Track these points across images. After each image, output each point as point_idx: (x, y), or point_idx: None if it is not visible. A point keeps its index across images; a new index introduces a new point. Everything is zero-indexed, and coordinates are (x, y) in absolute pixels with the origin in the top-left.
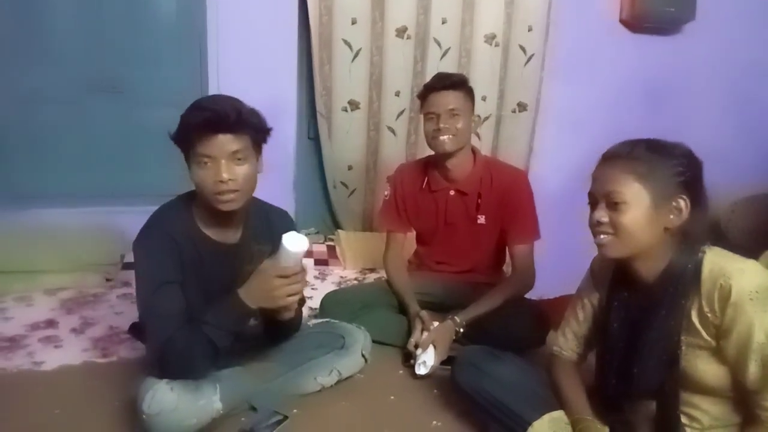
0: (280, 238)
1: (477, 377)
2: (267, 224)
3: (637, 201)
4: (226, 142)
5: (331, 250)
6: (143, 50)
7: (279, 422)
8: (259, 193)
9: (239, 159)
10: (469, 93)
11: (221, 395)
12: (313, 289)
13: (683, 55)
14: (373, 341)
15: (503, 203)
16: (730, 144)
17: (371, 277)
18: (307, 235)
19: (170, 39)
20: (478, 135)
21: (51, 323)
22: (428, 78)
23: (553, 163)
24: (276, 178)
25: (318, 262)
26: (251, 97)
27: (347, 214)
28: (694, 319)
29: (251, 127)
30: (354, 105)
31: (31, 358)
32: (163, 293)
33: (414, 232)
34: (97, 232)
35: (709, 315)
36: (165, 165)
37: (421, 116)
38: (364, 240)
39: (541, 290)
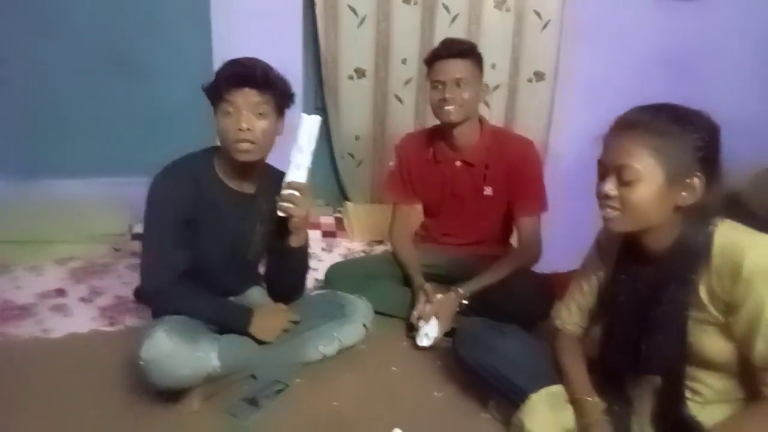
0: None
1: (478, 350)
2: (278, 186)
3: (649, 178)
4: (249, 95)
5: (339, 222)
6: (150, 23)
7: (280, 390)
8: None
9: (260, 113)
10: (478, 61)
11: (220, 354)
12: (319, 261)
13: (709, 20)
14: (378, 313)
15: (510, 174)
16: (756, 112)
17: (378, 249)
18: (315, 207)
19: (176, 11)
20: (487, 105)
21: (60, 292)
22: (436, 45)
23: (573, 134)
24: (282, 150)
25: (325, 234)
26: None
27: (355, 185)
28: (703, 294)
29: (276, 87)
30: (360, 73)
31: (41, 326)
32: (173, 236)
33: (420, 204)
34: (106, 203)
35: (718, 290)
36: (173, 137)
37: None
38: (372, 212)
39: (555, 265)
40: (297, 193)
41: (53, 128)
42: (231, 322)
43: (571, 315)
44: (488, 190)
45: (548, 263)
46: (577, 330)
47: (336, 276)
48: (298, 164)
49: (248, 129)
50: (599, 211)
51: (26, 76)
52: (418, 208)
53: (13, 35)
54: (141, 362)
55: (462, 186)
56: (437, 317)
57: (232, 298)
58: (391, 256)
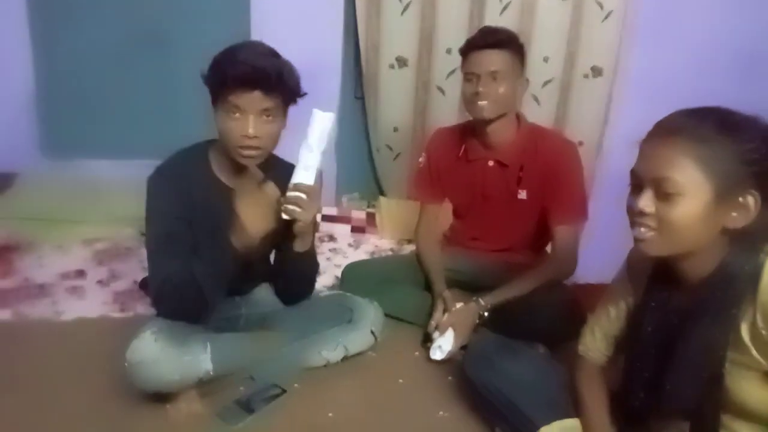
0: None
1: (487, 370)
2: (285, 181)
3: (695, 194)
4: (259, 99)
5: (371, 217)
6: (188, 3)
7: (276, 396)
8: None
9: (268, 117)
10: (518, 53)
11: (212, 356)
12: (344, 257)
13: None
14: (394, 318)
15: (547, 177)
16: None
17: (407, 249)
18: (349, 200)
19: None
20: (537, 100)
21: (80, 273)
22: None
23: (631, 135)
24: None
25: (354, 229)
26: (294, 52)
27: (391, 179)
28: (744, 333)
29: (287, 88)
30: (402, 62)
31: (54, 308)
32: (169, 233)
33: (450, 204)
34: (136, 185)
35: (764, 332)
36: (206, 118)
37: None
38: (405, 208)
39: (600, 276)
40: (304, 196)
41: (85, 109)
42: (227, 254)
43: (595, 341)
44: (522, 194)
45: (593, 273)
46: (600, 358)
47: (352, 276)
48: (306, 165)
49: (255, 136)
50: (630, 230)
51: (60, 56)
52: (448, 208)
53: (45, 16)
54: (126, 365)
55: (494, 188)
56: (454, 329)
57: (237, 298)
58: (415, 258)
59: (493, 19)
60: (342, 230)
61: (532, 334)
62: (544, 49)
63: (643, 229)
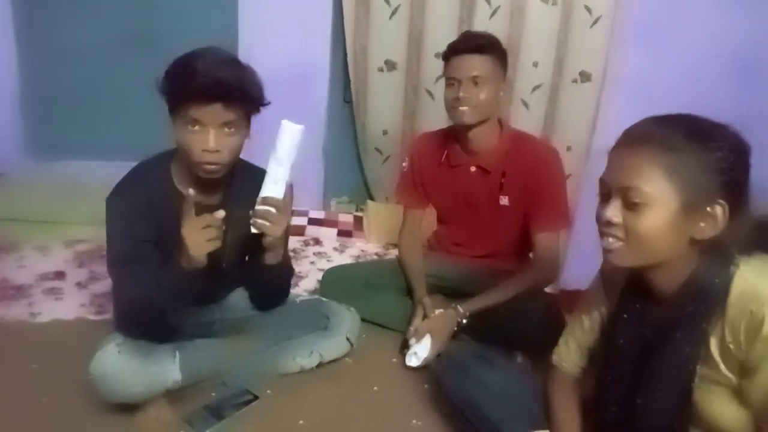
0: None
1: (459, 378)
2: (252, 187)
3: (661, 203)
4: (220, 112)
5: (358, 221)
6: (175, 6)
7: (248, 402)
8: None
9: (230, 129)
10: (500, 58)
11: (182, 365)
12: (328, 261)
13: None
14: (374, 324)
15: (529, 184)
16: None
17: (393, 254)
18: (338, 204)
19: None
20: (526, 105)
21: (60, 275)
22: None
23: None
24: (305, 143)
25: (341, 233)
26: (281, 56)
27: (380, 183)
28: (714, 348)
29: (249, 99)
30: (391, 65)
31: (30, 309)
32: (130, 256)
33: (434, 209)
34: None
35: (732, 346)
36: None
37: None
38: (393, 213)
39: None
40: (273, 210)
41: (69, 109)
42: (178, 274)
43: (569, 352)
44: (504, 200)
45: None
46: (574, 369)
47: (332, 280)
48: (275, 178)
49: (216, 150)
50: (599, 240)
51: (49, 56)
52: (432, 213)
53: (30, 16)
54: (89, 376)
55: (476, 194)
56: (431, 335)
57: (212, 305)
58: (397, 263)
59: (483, 23)
60: (328, 234)
61: (512, 342)
62: (534, 53)
63: (610, 240)
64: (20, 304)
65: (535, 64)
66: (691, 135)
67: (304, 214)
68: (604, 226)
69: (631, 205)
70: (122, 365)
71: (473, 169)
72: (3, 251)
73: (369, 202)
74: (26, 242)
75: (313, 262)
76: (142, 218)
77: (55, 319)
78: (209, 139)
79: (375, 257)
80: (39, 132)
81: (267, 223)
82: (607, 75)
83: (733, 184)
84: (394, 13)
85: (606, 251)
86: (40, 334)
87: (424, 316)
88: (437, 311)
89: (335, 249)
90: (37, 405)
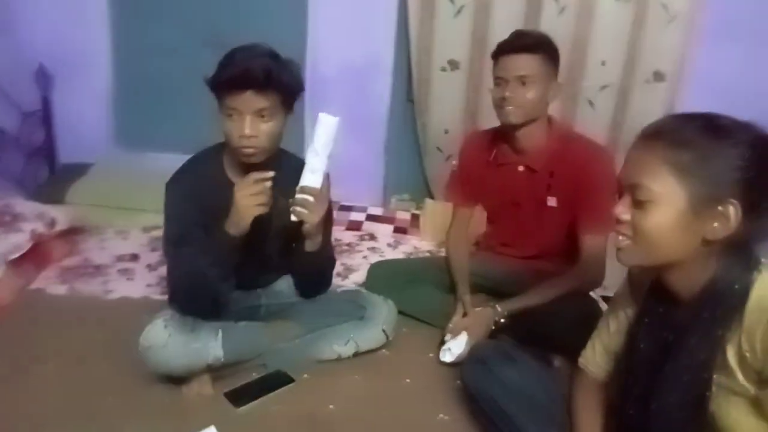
0: None
1: (482, 375)
2: (296, 177)
3: (668, 202)
4: (252, 99)
5: (415, 219)
6: (248, 7)
7: (284, 383)
8: (348, 155)
9: (264, 116)
10: (550, 57)
11: (224, 343)
12: (381, 256)
13: None
14: (416, 319)
15: (577, 185)
16: None
17: None
18: (398, 201)
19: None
20: (592, 105)
21: (134, 257)
22: None
23: None
24: (367, 140)
25: (397, 230)
26: (347, 55)
27: (440, 181)
28: (730, 356)
29: (280, 86)
30: (454, 65)
31: (104, 286)
32: (183, 236)
33: (482, 208)
34: None
35: (748, 355)
36: None
37: None
38: (449, 211)
39: None
40: (311, 199)
41: (156, 105)
42: (224, 242)
43: (595, 355)
44: (552, 201)
45: None
46: (599, 373)
47: (377, 274)
48: (313, 168)
49: (252, 135)
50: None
51: (136, 56)
52: (482, 214)
53: (129, 17)
54: (139, 347)
55: (523, 193)
56: (468, 333)
57: (259, 290)
58: (442, 260)
59: (549, 21)
60: (384, 230)
61: (549, 345)
62: (602, 52)
63: (620, 237)
64: (96, 281)
65: (603, 63)
66: (706, 130)
67: (362, 210)
68: (615, 223)
69: (638, 203)
70: (167, 339)
71: (521, 168)
72: (88, 233)
73: (427, 200)
74: (109, 226)
75: (366, 257)
76: (194, 203)
77: (124, 296)
78: (244, 125)
79: (427, 255)
80: (128, 125)
81: (305, 211)
82: (683, 75)
83: (750, 182)
84: (458, 12)
85: (617, 249)
86: (109, 309)
87: (464, 314)
88: (477, 310)
89: (389, 245)
90: (97, 371)
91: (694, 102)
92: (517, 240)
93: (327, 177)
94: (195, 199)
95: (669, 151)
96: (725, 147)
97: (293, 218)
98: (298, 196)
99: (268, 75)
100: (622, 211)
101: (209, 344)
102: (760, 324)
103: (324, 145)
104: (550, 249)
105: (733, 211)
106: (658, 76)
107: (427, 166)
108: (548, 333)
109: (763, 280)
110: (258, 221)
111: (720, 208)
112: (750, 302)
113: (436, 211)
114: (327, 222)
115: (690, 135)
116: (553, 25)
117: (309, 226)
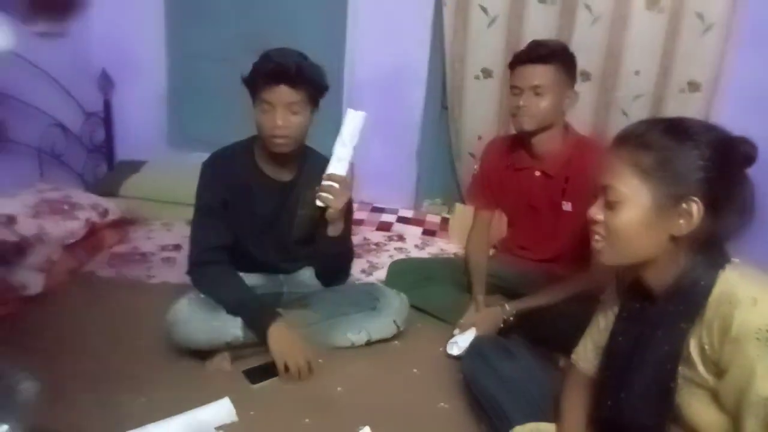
0: None
1: (479, 369)
2: (320, 172)
3: (634, 201)
4: (285, 93)
5: (444, 222)
6: (290, 13)
7: None
8: (382, 159)
9: (294, 110)
10: (565, 66)
11: (243, 324)
12: (406, 256)
13: None
14: (431, 315)
15: (591, 190)
16: None
17: None
18: (430, 205)
19: (314, 7)
20: (626, 114)
21: (177, 247)
22: (574, 48)
23: None
24: (400, 145)
25: (426, 232)
26: (384, 63)
27: None
28: (693, 349)
29: (309, 81)
30: (487, 73)
31: (148, 272)
32: (210, 208)
33: (502, 212)
34: None
35: (707, 347)
36: None
37: None
38: None
39: None
40: (336, 185)
41: (203, 109)
42: (247, 323)
43: (585, 350)
44: (567, 206)
45: None
46: (589, 369)
47: (396, 270)
48: (339, 157)
49: (283, 126)
50: None
51: (184, 60)
52: (503, 218)
53: (180, 29)
54: (165, 324)
55: (539, 198)
56: (476, 328)
57: (281, 276)
58: (461, 261)
59: (583, 31)
60: (413, 232)
61: (557, 345)
62: (636, 62)
63: (597, 238)
64: (141, 268)
65: (637, 73)
66: (669, 133)
67: (393, 212)
68: (590, 225)
69: (609, 204)
70: (190, 315)
71: (537, 173)
72: (137, 225)
73: (458, 204)
74: (157, 219)
75: (392, 256)
76: (221, 183)
77: (164, 281)
78: (277, 116)
79: (452, 256)
80: (180, 127)
81: (330, 197)
82: (719, 84)
83: (711, 181)
84: (492, 23)
85: (594, 250)
86: (150, 292)
87: (475, 312)
88: (487, 308)
89: (416, 246)
90: (135, 343)
91: (729, 111)
92: (535, 243)
93: (352, 166)
94: (224, 177)
95: (633, 154)
96: (686, 149)
97: (319, 203)
98: (325, 183)
99: (299, 70)
100: (596, 212)
101: (228, 323)
102: (716, 317)
103: (350, 137)
104: (567, 253)
105: (695, 208)
106: (693, 86)
107: (459, 171)
108: (556, 334)
109: (726, 277)
110: (283, 210)
111: (684, 205)
112: (711, 297)
113: (466, 215)
114: (348, 211)
115: (653, 138)
116: (586, 34)
117: (333, 211)
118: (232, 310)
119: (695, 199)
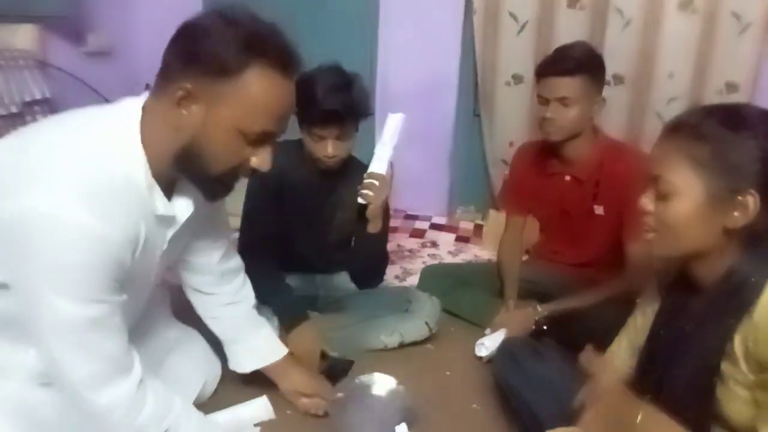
0: None
1: (509, 369)
2: (358, 177)
3: (687, 193)
4: (335, 129)
5: (478, 229)
6: (323, 23)
7: (351, 364)
8: (414, 167)
9: (343, 138)
10: (593, 75)
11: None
12: (439, 262)
13: None
14: (463, 319)
15: (623, 193)
16: None
17: None
18: (463, 212)
19: (347, 17)
20: (661, 118)
21: None
22: (606, 52)
23: None
24: (433, 153)
25: (459, 239)
26: (415, 71)
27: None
28: (737, 345)
29: (359, 114)
30: (518, 79)
31: None
32: (258, 209)
33: (534, 217)
34: None
35: (751, 345)
36: None
37: None
38: None
39: None
40: (376, 183)
41: None
42: (277, 313)
43: (620, 350)
44: (599, 210)
45: None
46: (622, 368)
47: (428, 275)
48: (380, 157)
49: (333, 154)
50: None
51: None
52: (536, 223)
53: None
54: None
55: (571, 202)
56: (507, 330)
57: (318, 278)
58: (494, 266)
59: (614, 35)
60: (446, 238)
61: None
62: (670, 64)
63: (647, 228)
64: None
65: (671, 76)
66: (725, 122)
67: (427, 219)
68: (641, 215)
69: (661, 195)
70: None
71: (568, 178)
72: None
73: (491, 211)
74: None
75: (425, 262)
76: (273, 182)
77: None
78: (328, 148)
79: (486, 262)
80: None
81: (371, 193)
82: (758, 84)
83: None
84: (521, 29)
85: (648, 242)
86: None
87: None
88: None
89: (449, 252)
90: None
91: None
92: (567, 248)
93: (391, 165)
94: (273, 180)
95: (688, 144)
96: (743, 139)
97: (360, 200)
98: (366, 180)
99: (352, 108)
100: (646, 202)
101: (269, 316)
102: (765, 319)
103: (391, 138)
104: (600, 257)
105: (752, 200)
106: (731, 87)
107: (492, 178)
108: (588, 337)
109: None
110: (319, 212)
111: (740, 198)
112: (763, 295)
113: (500, 222)
114: (386, 211)
115: (708, 129)
116: (618, 38)
117: (373, 208)
118: (266, 296)
119: (752, 191)
